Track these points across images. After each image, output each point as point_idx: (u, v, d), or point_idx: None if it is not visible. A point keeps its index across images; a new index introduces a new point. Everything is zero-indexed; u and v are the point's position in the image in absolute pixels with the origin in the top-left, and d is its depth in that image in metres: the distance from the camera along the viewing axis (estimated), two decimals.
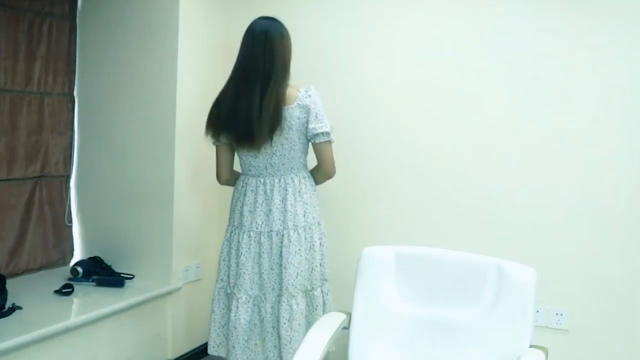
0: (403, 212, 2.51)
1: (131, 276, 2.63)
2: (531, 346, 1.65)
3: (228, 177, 2.24)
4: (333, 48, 2.58)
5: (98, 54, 2.76)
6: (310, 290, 2.15)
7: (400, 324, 1.81)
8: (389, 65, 2.51)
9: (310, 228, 2.14)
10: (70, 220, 2.85)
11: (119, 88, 2.71)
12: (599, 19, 2.16)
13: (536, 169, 2.28)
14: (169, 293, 2.63)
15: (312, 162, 2.18)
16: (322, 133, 2.07)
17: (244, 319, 2.13)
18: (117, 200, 2.75)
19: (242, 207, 2.14)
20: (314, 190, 2.19)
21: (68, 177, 2.84)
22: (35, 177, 2.68)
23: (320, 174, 2.19)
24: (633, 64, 2.12)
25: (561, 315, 2.25)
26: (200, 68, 2.72)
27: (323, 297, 2.20)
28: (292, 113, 2.04)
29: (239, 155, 2.17)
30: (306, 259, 2.12)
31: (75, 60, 2.81)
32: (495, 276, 1.75)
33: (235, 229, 2.17)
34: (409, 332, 1.80)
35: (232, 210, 2.21)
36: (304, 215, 2.12)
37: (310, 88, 2.08)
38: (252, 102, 2.01)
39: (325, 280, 2.22)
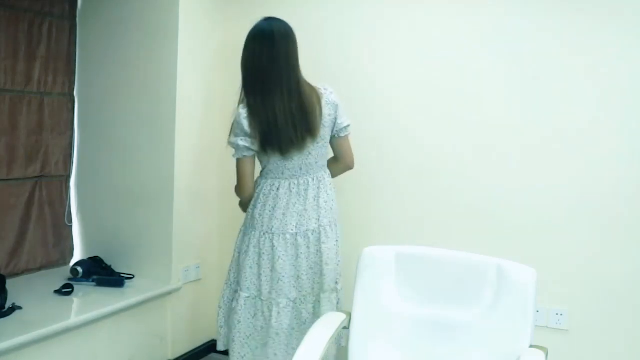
0: (403, 212, 2.51)
1: (131, 276, 2.63)
2: (531, 346, 1.65)
3: (252, 190, 2.13)
4: (334, 48, 2.58)
5: (98, 54, 2.76)
6: (335, 286, 2.17)
7: (400, 324, 1.81)
8: (389, 64, 2.51)
9: (336, 224, 2.16)
10: (70, 220, 2.85)
11: (119, 88, 2.71)
12: (599, 19, 2.16)
13: (536, 169, 2.28)
14: (169, 293, 2.63)
15: None
16: (347, 126, 2.13)
17: (286, 323, 2.09)
18: (117, 200, 2.75)
19: (272, 210, 2.07)
20: (334, 187, 2.21)
21: (68, 177, 2.84)
22: (35, 177, 2.68)
23: (342, 166, 2.21)
24: (633, 64, 2.12)
25: (561, 315, 2.25)
26: (200, 68, 2.72)
27: (338, 294, 2.19)
28: (323, 111, 2.05)
29: (269, 162, 2.07)
30: (336, 253, 2.14)
31: (75, 60, 2.81)
32: (495, 276, 1.75)
33: (264, 234, 2.08)
34: (409, 332, 1.80)
35: (258, 215, 2.09)
36: (332, 211, 2.13)
37: (326, 86, 2.10)
38: (288, 109, 1.97)
39: (340, 277, 2.21)
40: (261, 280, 2.10)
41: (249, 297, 2.14)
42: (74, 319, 2.17)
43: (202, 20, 2.70)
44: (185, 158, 2.64)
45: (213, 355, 2.88)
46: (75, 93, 2.83)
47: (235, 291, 2.18)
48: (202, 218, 2.80)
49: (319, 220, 2.09)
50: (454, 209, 2.41)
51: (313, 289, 2.11)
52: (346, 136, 2.15)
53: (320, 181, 2.11)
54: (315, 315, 2.11)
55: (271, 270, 2.09)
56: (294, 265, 2.09)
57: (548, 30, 2.23)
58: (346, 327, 1.82)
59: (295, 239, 2.08)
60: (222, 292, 2.24)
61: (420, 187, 2.47)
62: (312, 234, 2.09)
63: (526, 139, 2.29)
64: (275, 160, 2.06)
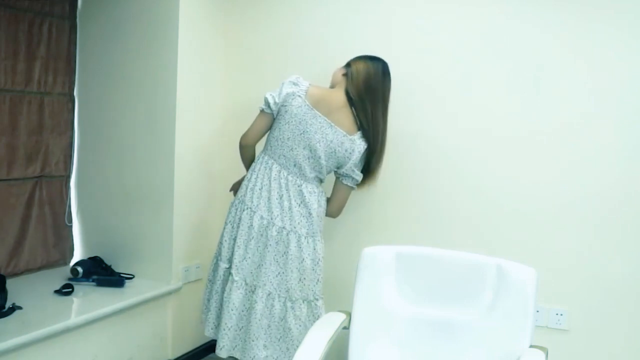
0: (403, 212, 2.51)
1: (131, 276, 2.63)
2: (531, 346, 1.65)
3: (254, 143, 2.28)
4: (334, 48, 2.58)
5: (98, 54, 2.76)
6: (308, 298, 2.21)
7: (400, 324, 1.81)
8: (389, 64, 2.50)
9: (315, 239, 2.21)
10: (70, 220, 2.85)
11: (119, 88, 2.71)
12: (599, 20, 2.16)
13: (536, 169, 2.28)
14: (169, 293, 2.63)
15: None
16: (355, 180, 2.23)
17: (235, 304, 2.18)
18: (117, 200, 2.75)
19: (261, 191, 2.17)
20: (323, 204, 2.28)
21: (68, 177, 2.84)
22: (35, 177, 2.68)
23: (327, 210, 2.29)
24: (631, 63, 2.13)
25: (561, 315, 2.25)
26: (200, 68, 2.72)
27: (314, 309, 2.22)
28: (346, 143, 2.15)
29: (282, 131, 2.16)
30: (312, 269, 2.21)
31: (75, 60, 2.81)
32: (495, 276, 1.75)
33: (248, 209, 2.18)
34: (409, 331, 1.80)
35: (250, 191, 2.20)
36: (313, 224, 2.19)
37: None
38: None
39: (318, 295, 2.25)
40: (234, 253, 2.18)
41: (228, 268, 2.23)
42: (74, 319, 2.16)
43: (203, 21, 2.70)
44: (185, 158, 2.64)
45: (213, 355, 2.88)
46: (75, 93, 2.83)
47: (217, 262, 2.26)
48: (202, 218, 2.80)
49: (297, 225, 2.14)
50: (454, 208, 2.41)
51: (266, 285, 2.15)
52: (348, 187, 2.25)
53: (310, 193, 2.17)
54: (274, 318, 2.17)
55: (244, 247, 2.17)
56: (260, 253, 2.16)
57: (549, 33, 2.24)
58: (346, 327, 1.83)
59: (271, 229, 2.14)
60: (211, 266, 2.32)
61: (419, 187, 2.47)
62: (287, 235, 2.14)
63: (526, 138, 2.29)
64: (289, 135, 2.14)
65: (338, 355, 2.21)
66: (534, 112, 2.27)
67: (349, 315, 1.84)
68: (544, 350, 1.64)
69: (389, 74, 2.25)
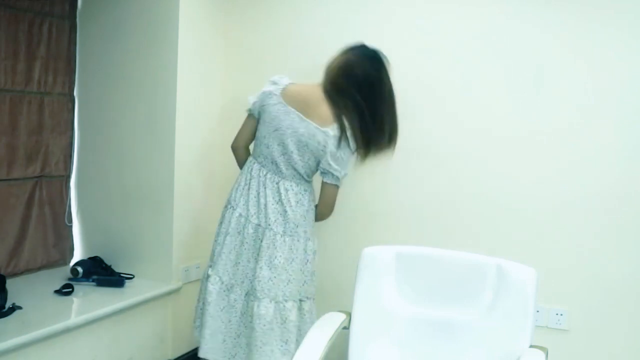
0: (402, 212, 2.51)
1: (131, 276, 2.63)
2: (531, 346, 1.65)
3: (243, 145, 2.29)
4: (335, 48, 2.57)
5: (98, 54, 2.76)
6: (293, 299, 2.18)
7: (400, 324, 1.81)
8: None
9: (293, 238, 2.17)
10: (70, 220, 2.85)
11: (119, 88, 2.71)
12: (599, 19, 2.16)
13: (536, 169, 2.28)
14: (169, 293, 2.63)
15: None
16: (334, 175, 2.14)
17: (216, 308, 2.18)
18: (117, 200, 2.75)
19: (242, 190, 2.19)
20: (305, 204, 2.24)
21: (68, 177, 2.84)
22: (35, 177, 2.68)
23: (317, 210, 2.25)
24: (631, 63, 2.13)
25: (561, 315, 2.25)
26: (200, 68, 2.72)
27: (299, 310, 2.19)
28: (318, 135, 2.11)
29: (260, 138, 2.19)
30: (296, 270, 2.18)
31: (75, 60, 2.81)
32: (495, 276, 1.75)
33: (233, 210, 2.19)
34: (409, 332, 1.80)
35: (235, 191, 2.22)
36: (288, 222, 2.15)
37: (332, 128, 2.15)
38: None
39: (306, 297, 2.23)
40: (214, 250, 2.22)
41: (216, 274, 2.23)
42: (74, 319, 2.17)
43: (203, 21, 2.70)
44: (185, 158, 2.64)
45: None
46: (75, 93, 2.83)
47: (211, 267, 2.25)
48: (202, 218, 2.80)
49: (272, 223, 2.12)
50: (454, 208, 2.41)
51: (244, 283, 2.15)
52: (330, 185, 2.16)
53: (287, 190, 2.14)
54: (252, 317, 2.12)
55: (222, 243, 2.19)
56: (236, 250, 2.17)
57: (549, 33, 2.24)
58: (346, 327, 1.83)
59: (248, 227, 2.15)
60: (204, 274, 2.30)
61: (419, 187, 2.47)
62: (263, 232, 2.13)
63: (526, 138, 2.29)
64: (264, 134, 2.16)
65: (338, 355, 2.21)
66: (534, 112, 2.27)
67: (349, 315, 1.84)
68: (544, 350, 1.64)
69: (372, 58, 2.16)
